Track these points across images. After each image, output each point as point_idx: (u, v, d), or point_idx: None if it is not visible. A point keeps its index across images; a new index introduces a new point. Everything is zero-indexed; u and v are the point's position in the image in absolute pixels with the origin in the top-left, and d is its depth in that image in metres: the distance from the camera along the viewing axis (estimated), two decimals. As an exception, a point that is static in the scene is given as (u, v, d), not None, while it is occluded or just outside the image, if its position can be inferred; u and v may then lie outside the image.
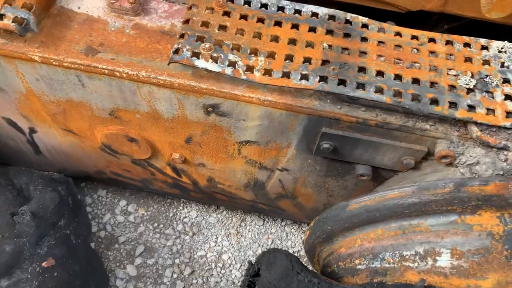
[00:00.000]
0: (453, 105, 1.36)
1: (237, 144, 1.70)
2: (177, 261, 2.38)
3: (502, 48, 1.47)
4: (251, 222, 2.54)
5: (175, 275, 2.34)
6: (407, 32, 1.49)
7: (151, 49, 1.48)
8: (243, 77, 1.36)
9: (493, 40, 1.49)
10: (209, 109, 1.52)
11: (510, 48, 1.46)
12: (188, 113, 1.57)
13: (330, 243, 1.58)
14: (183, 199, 2.53)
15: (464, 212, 1.22)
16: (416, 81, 1.39)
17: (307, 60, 1.40)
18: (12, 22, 1.37)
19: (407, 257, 1.29)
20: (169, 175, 2.07)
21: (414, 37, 1.48)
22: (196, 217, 2.52)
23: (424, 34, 1.49)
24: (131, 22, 1.53)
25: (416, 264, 1.26)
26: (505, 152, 1.36)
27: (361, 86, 1.36)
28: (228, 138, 1.67)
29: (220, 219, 2.53)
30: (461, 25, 1.97)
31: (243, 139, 1.66)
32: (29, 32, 1.44)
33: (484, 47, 1.48)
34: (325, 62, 1.40)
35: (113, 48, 1.47)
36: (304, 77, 1.37)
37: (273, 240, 2.49)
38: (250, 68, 1.38)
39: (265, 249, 2.38)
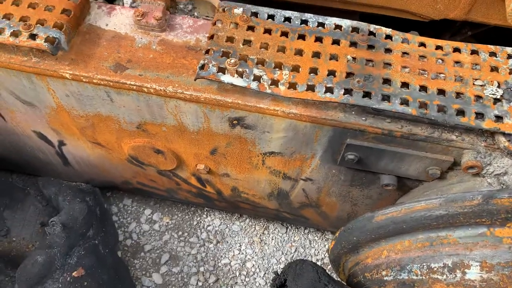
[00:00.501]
0: (479, 115, 1.35)
1: (261, 155, 1.72)
2: (201, 269, 2.41)
3: (529, 57, 1.46)
4: (274, 230, 2.55)
5: (200, 283, 2.37)
6: (431, 42, 1.49)
7: (178, 65, 1.51)
8: (268, 91, 1.38)
9: (519, 49, 1.48)
10: (234, 122, 1.54)
11: (538, 56, 1.45)
12: (213, 126, 1.59)
13: (356, 253, 1.58)
14: (206, 208, 2.56)
15: (493, 224, 1.21)
16: (441, 92, 1.38)
17: (332, 73, 1.41)
18: (45, 41, 1.41)
19: (435, 269, 1.28)
20: (193, 185, 2.10)
21: (438, 47, 1.48)
22: (220, 225, 2.55)
23: (448, 44, 1.48)
24: (158, 38, 1.56)
25: (444, 276, 1.26)
26: (534, 163, 1.35)
27: (386, 98, 1.36)
28: (253, 149, 1.69)
29: (244, 227, 2.55)
30: (485, 31, 1.96)
31: (268, 150, 1.68)
32: (60, 50, 1.49)
33: (511, 56, 1.46)
34: (349, 74, 1.41)
35: (141, 64, 1.50)
36: (329, 90, 1.38)
37: (296, 248, 2.50)
38: (275, 82, 1.40)
39: (289, 258, 2.39)
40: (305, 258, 2.12)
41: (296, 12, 1.52)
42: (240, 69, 1.39)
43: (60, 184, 2.28)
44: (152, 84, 1.46)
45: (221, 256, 2.45)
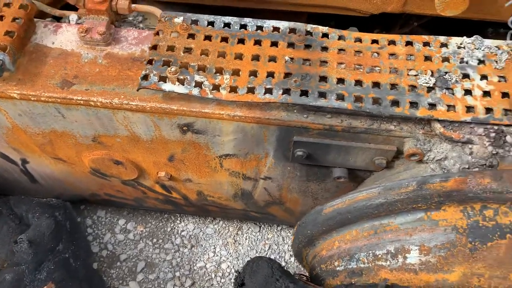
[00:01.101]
0: (414, 104, 1.40)
1: (217, 158, 1.76)
2: (177, 274, 2.44)
3: (461, 44, 1.51)
4: (248, 229, 2.59)
5: (176, 288, 2.41)
6: (367, 37, 1.54)
7: (123, 76, 1.54)
8: (210, 96, 1.42)
9: (452, 37, 1.53)
10: (184, 128, 1.58)
11: (469, 43, 1.50)
12: (165, 134, 1.63)
13: (313, 246, 1.62)
14: (177, 214, 2.59)
15: (429, 208, 1.26)
16: (376, 84, 1.43)
17: (270, 75, 1.45)
18: (-12, 64, 1.45)
19: (379, 256, 1.33)
20: (159, 193, 2.14)
21: (374, 42, 1.53)
22: (194, 229, 2.58)
23: (384, 38, 1.53)
24: (103, 52, 1.60)
25: (388, 262, 1.30)
26: (470, 146, 1.40)
27: (323, 95, 1.41)
28: (208, 153, 1.73)
29: (217, 229, 2.59)
30: (432, 20, 2.01)
31: (222, 153, 1.72)
32: (6, 71, 1.52)
33: (444, 45, 1.51)
34: (287, 74, 1.45)
35: (87, 79, 1.54)
36: (268, 91, 1.42)
37: (270, 246, 2.54)
38: (216, 87, 1.44)
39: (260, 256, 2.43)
40: (262, 255, 2.16)
41: (235, 18, 1.56)
42: (181, 77, 1.43)
43: (31, 201, 2.31)
44: (98, 97, 1.49)
45: (196, 260, 2.49)
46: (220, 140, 1.63)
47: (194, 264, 2.47)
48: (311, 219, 1.53)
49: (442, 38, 1.53)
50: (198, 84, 1.44)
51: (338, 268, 1.46)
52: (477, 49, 1.49)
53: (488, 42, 1.50)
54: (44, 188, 2.25)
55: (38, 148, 1.86)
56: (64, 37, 1.63)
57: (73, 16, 1.69)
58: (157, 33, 1.54)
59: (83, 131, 1.69)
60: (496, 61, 1.46)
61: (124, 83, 1.53)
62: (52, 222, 2.02)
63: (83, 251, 2.19)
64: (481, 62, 1.47)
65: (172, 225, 2.59)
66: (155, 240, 2.54)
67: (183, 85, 1.43)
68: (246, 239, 2.56)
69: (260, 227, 2.60)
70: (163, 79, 1.43)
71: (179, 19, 1.55)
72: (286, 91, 1.42)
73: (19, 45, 1.55)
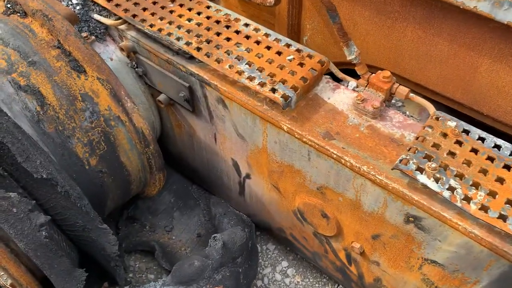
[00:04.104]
0: None
1: (422, 259, 1.74)
2: None
3: None
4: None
5: None
6: None
7: (377, 150, 1.67)
8: (459, 204, 1.43)
9: None
10: (410, 218, 1.62)
11: None
12: (388, 214, 1.69)
13: None
14: (340, 285, 2.59)
15: None
16: None
17: (529, 212, 1.40)
18: (281, 97, 1.72)
19: None
20: (340, 259, 2.19)
21: None
22: (343, 308, 2.55)
23: None
24: (367, 123, 1.75)
25: None
26: None
27: None
28: (416, 251, 1.72)
29: (366, 320, 2.51)
30: None
31: (431, 258, 1.69)
32: (287, 107, 1.78)
33: None
34: (548, 220, 1.38)
35: (346, 139, 1.70)
36: (521, 227, 1.37)
37: None
38: (467, 199, 1.44)
39: None
40: None
41: (508, 143, 1.56)
42: (438, 175, 1.48)
43: (227, 207, 2.61)
44: (350, 158, 1.64)
45: (335, 338, 2.44)
46: (438, 245, 1.62)
47: None
48: None
49: None
50: (451, 189, 1.46)
51: None
52: None
53: None
54: (244, 203, 2.52)
55: (267, 172, 2.10)
56: (339, 97, 1.85)
57: (352, 82, 1.90)
58: (425, 127, 1.63)
59: (315, 177, 1.86)
60: None
61: (376, 156, 1.65)
62: (245, 236, 2.23)
63: (252, 273, 2.36)
64: None
65: (326, 291, 2.61)
66: (306, 296, 2.59)
67: (437, 183, 1.47)
68: None
69: None
70: (420, 170, 1.50)
71: (452, 123, 1.62)
72: (542, 236, 1.35)
73: (306, 90, 1.81)
